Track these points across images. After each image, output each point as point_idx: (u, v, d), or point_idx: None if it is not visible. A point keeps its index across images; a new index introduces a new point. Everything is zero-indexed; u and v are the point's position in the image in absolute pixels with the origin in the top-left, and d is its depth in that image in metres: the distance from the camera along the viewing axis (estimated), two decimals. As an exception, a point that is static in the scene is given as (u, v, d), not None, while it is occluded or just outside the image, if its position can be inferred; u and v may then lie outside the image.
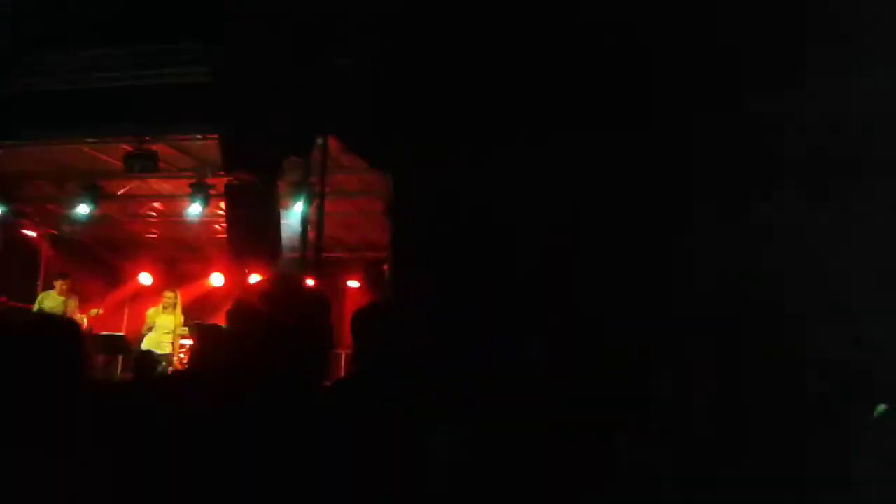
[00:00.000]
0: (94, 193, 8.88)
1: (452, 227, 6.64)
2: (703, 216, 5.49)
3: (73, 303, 9.90)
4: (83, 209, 8.92)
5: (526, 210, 6.11)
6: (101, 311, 10.65)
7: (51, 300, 9.67)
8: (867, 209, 5.03)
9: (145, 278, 11.07)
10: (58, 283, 9.82)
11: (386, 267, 9.77)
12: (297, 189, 7.58)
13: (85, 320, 9.78)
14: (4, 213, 9.45)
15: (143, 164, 7.51)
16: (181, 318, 10.13)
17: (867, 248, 4.98)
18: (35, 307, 9.68)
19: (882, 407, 4.45)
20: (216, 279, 10.97)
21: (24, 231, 10.70)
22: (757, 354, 5.00)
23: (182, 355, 9.83)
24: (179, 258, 11.81)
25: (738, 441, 4.52)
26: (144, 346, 10.03)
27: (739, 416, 4.71)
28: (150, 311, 10.19)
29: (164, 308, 10.02)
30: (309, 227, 7.40)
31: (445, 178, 6.63)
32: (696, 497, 4.16)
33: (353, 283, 11.37)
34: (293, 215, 7.80)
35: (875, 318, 4.77)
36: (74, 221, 9.56)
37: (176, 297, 10.18)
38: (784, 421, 4.61)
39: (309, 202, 7.46)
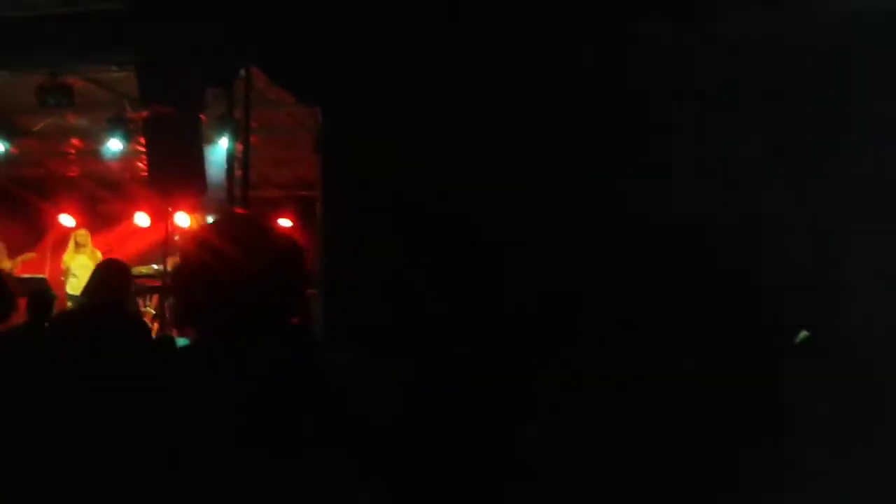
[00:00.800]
0: (9, 130, 8.49)
1: (384, 162, 6.54)
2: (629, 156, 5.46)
3: (1, 247, 9.56)
4: (-2, 147, 8.55)
5: (460, 142, 6.04)
6: (34, 256, 10.30)
7: None
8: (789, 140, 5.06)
9: (67, 220, 10.69)
10: None
11: (316, 205, 9.66)
12: (221, 124, 7.34)
13: (11, 265, 9.46)
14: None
15: (58, 98, 7.18)
16: (99, 256, 9.87)
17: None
18: None
19: (804, 333, 4.53)
20: (141, 219, 10.67)
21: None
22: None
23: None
24: (102, 198, 11.44)
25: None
26: (68, 290, 9.76)
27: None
28: (66, 256, 9.90)
29: (78, 248, 9.75)
30: (235, 163, 7.20)
31: (375, 111, 6.50)
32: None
33: (285, 222, 11.19)
34: (218, 151, 7.57)
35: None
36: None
37: (87, 236, 9.89)
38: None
39: (234, 138, 7.25)
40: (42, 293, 5.54)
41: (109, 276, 4.17)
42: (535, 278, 5.53)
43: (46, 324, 4.66)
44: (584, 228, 5.54)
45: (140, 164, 8.95)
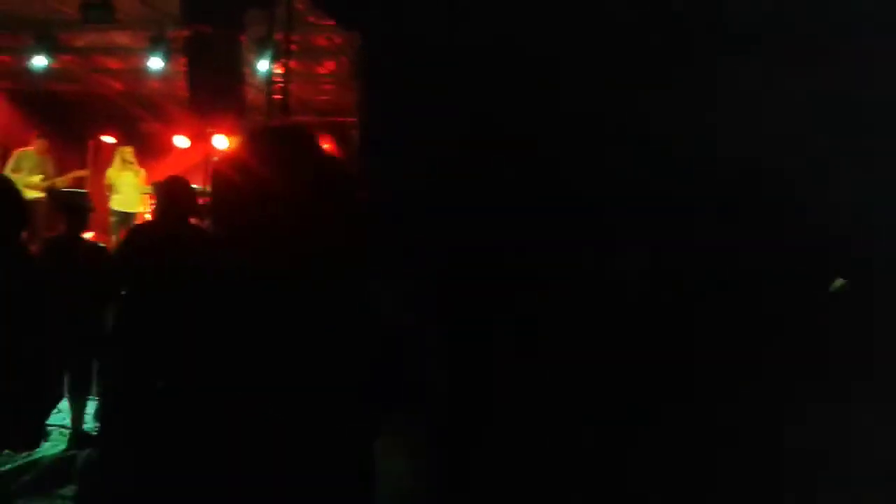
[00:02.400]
0: (52, 45, 8.51)
1: (424, 90, 6.48)
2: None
3: (50, 162, 9.67)
4: (40, 61, 8.56)
5: (514, 66, 5.94)
6: (87, 173, 10.43)
7: (29, 159, 9.41)
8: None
9: (107, 138, 10.78)
10: (37, 142, 9.53)
11: (354, 132, 9.64)
12: (261, 46, 7.32)
13: (62, 181, 9.63)
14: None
15: (100, 14, 7.19)
16: (143, 174, 10.00)
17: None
18: (10, 165, 9.43)
19: (840, 282, 4.35)
20: (180, 140, 10.74)
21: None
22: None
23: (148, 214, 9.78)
24: (141, 117, 11.52)
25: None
26: (113, 206, 9.92)
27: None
28: (110, 171, 10.01)
29: (124, 165, 9.88)
30: (274, 86, 7.21)
31: (419, 34, 6.41)
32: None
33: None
34: (258, 74, 7.57)
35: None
36: (32, 74, 9.19)
37: (132, 154, 10.01)
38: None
39: (273, 60, 7.24)
40: (77, 206, 5.70)
41: (176, 193, 4.44)
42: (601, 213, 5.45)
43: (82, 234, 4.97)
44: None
45: (180, 85, 8.99)
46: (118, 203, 9.85)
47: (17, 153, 9.51)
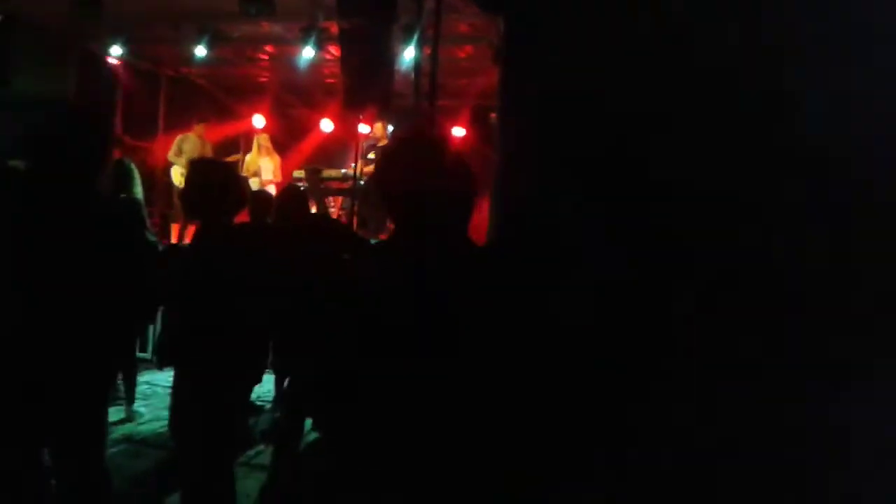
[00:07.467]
0: (210, 36, 8.99)
1: (568, 76, 6.51)
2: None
3: (209, 146, 10.26)
4: (199, 51, 9.07)
5: (659, 56, 5.88)
6: (241, 157, 11.03)
7: (190, 143, 10.04)
8: None
9: (258, 121, 11.29)
10: (198, 127, 10.14)
11: (493, 115, 9.74)
12: (408, 34, 7.51)
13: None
14: (124, 55, 9.68)
15: (260, 7, 7.55)
16: (277, 159, 10.41)
17: None
18: (174, 148, 10.08)
19: None
20: (326, 125, 11.17)
21: (143, 72, 10.98)
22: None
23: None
24: (290, 103, 11.99)
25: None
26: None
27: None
28: (249, 158, 10.51)
29: (261, 150, 10.32)
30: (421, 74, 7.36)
31: (563, 22, 6.44)
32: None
33: (459, 131, 11.37)
34: (404, 62, 7.77)
35: None
36: (191, 63, 9.75)
37: (268, 140, 10.43)
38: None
39: (420, 48, 7.39)
40: (264, 196, 6.11)
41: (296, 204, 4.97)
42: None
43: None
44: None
45: (327, 72, 9.33)
46: (256, 187, 10.34)
47: (178, 138, 10.14)
